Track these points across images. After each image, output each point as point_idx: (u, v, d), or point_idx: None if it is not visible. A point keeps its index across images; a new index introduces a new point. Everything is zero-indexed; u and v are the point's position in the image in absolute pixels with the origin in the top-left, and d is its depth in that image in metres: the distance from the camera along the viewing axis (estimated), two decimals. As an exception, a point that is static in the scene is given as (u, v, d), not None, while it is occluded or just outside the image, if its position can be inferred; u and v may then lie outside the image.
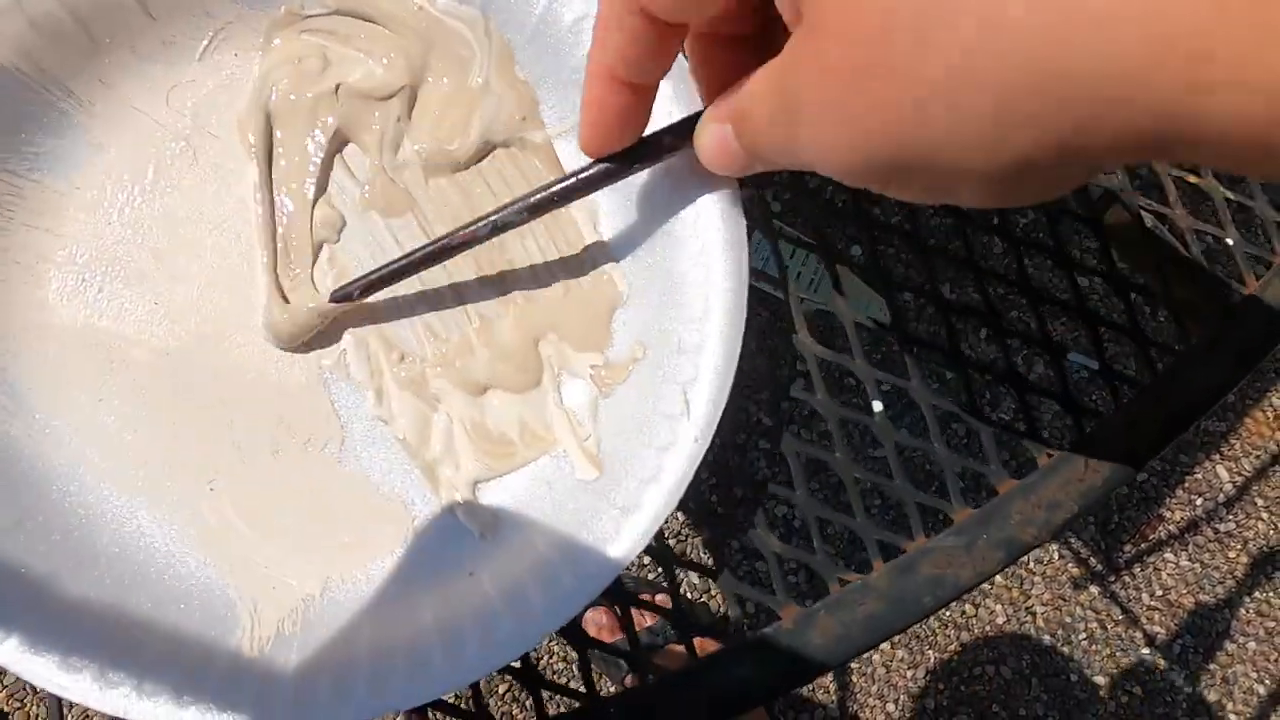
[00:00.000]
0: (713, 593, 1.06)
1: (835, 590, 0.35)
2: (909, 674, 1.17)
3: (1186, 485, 1.29)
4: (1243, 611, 1.25)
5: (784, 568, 0.35)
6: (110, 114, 0.33)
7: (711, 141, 0.24)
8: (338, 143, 0.34)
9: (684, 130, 0.27)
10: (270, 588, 0.31)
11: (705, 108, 0.25)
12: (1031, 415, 0.38)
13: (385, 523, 0.32)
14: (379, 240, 0.34)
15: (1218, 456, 1.29)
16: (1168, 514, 1.28)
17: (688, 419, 0.31)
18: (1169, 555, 1.26)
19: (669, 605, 0.37)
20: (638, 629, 0.84)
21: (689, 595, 1.04)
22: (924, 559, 0.35)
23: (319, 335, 0.33)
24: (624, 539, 0.30)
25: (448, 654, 0.29)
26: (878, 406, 0.38)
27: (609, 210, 0.34)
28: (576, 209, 0.34)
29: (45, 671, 0.28)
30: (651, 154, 0.28)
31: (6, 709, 0.95)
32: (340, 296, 0.32)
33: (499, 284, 0.34)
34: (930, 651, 1.18)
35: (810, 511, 0.36)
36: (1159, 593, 1.25)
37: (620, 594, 0.34)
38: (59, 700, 0.28)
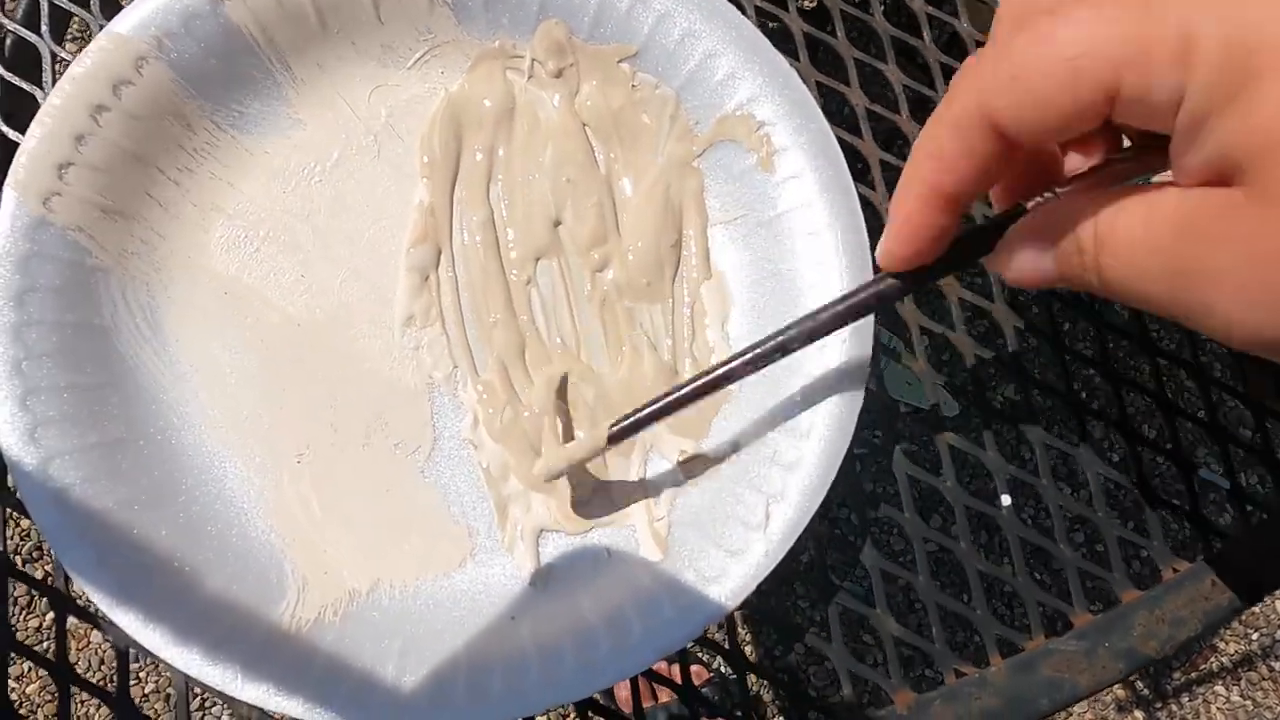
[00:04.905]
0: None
1: (951, 681, 0.35)
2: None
3: (1243, 618, 1.22)
4: (1293, 758, 1.18)
5: (900, 650, 0.35)
6: (316, 95, 0.36)
7: (1024, 262, 0.23)
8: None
9: (979, 242, 0.24)
10: (323, 572, 0.32)
11: (998, 209, 0.24)
12: (1162, 527, 0.37)
13: (447, 543, 0.33)
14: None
15: (1277, 592, 1.23)
16: (1221, 645, 1.21)
17: (764, 533, 0.31)
18: (1220, 688, 1.19)
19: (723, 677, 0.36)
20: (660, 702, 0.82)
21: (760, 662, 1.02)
22: (1044, 660, 0.35)
23: (436, 349, 0.35)
24: (671, 629, 0.30)
25: (470, 690, 0.29)
26: (1005, 500, 0.38)
27: (737, 319, 0.35)
28: (712, 307, 0.35)
29: (99, 599, 0.29)
30: (949, 268, 0.25)
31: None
32: (617, 436, 0.31)
33: (617, 349, 0.35)
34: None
35: (930, 598, 0.36)
36: (1206, 727, 1.19)
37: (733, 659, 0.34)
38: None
